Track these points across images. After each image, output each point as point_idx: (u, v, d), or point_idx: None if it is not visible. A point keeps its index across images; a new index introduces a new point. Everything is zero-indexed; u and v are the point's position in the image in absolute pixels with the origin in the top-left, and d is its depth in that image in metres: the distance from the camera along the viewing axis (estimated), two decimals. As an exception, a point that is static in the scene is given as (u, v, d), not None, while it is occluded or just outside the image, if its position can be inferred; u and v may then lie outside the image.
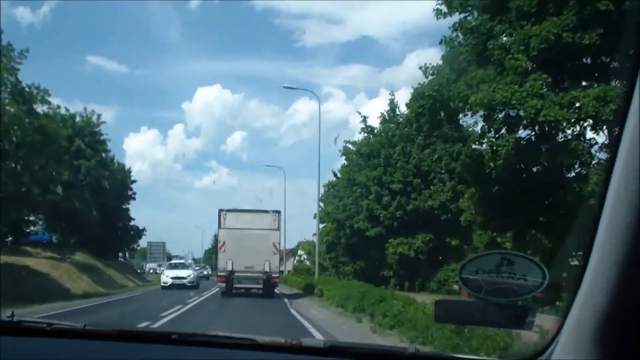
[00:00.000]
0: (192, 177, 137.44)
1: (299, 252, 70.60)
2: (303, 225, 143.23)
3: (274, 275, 23.46)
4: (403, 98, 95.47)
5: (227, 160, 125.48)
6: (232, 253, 22.92)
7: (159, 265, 77.61)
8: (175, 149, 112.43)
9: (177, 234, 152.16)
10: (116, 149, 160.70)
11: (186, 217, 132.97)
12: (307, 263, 41.18)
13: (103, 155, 45.26)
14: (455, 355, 2.48)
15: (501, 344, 6.83)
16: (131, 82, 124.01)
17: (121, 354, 1.93)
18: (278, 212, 24.38)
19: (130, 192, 51.37)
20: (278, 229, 24.06)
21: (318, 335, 11.16)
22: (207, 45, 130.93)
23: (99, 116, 45.45)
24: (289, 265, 74.36)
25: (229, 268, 22.81)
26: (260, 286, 23.15)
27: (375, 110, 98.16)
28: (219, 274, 24.08)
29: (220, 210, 23.68)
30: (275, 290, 25.39)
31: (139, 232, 53.96)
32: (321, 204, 33.81)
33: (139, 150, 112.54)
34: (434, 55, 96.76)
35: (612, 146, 1.22)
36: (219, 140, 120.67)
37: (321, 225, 35.33)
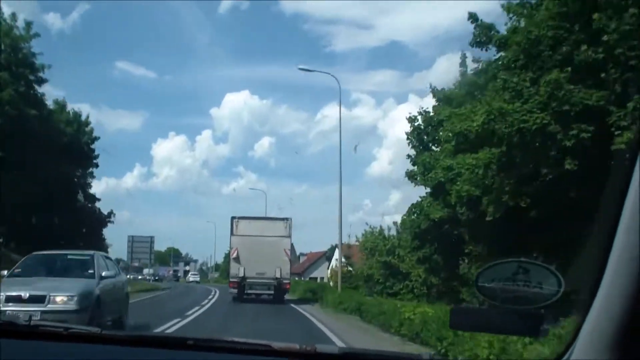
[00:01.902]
0: (220, 183, 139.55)
1: (335, 255, 62.99)
2: (329, 231, 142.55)
3: (284, 281, 24.04)
4: (432, 103, 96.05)
5: (255, 166, 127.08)
6: (244, 260, 23.56)
7: (175, 271, 75.31)
8: (203, 154, 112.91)
9: (200, 238, 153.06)
10: (144, 155, 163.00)
11: (213, 222, 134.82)
12: (350, 269, 35.85)
13: (36, 87, 28.93)
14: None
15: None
16: (159, 87, 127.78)
17: (137, 359, 1.93)
18: (289, 219, 25.07)
19: (90, 158, 35.37)
20: (289, 236, 24.77)
21: None
22: (235, 51, 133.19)
23: (28, 25, 28.78)
24: (319, 271, 67.43)
25: (241, 274, 23.42)
26: (272, 292, 23.74)
27: (403, 116, 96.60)
28: (230, 280, 24.63)
29: (233, 218, 24.48)
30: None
31: (101, 218, 36.70)
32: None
33: (166, 156, 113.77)
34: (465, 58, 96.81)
35: (633, 149, 1.23)
36: (247, 146, 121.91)
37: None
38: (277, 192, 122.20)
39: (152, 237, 45.86)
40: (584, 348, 1.37)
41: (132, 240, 45.85)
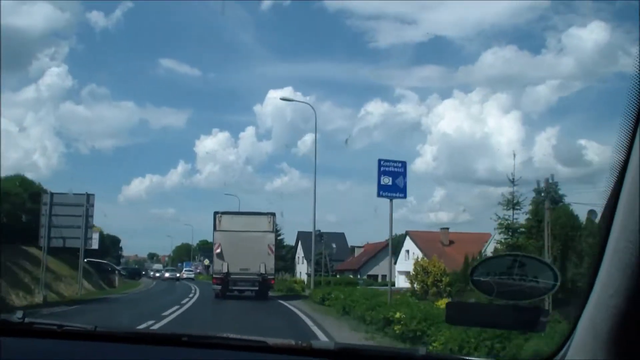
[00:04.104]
0: (263, 179, 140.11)
1: (406, 246, 54.35)
2: (371, 227, 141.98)
3: (269, 277, 24.03)
4: (477, 98, 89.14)
5: (298, 163, 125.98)
6: (227, 255, 23.49)
7: (170, 270, 71.05)
8: (246, 151, 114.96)
9: None
10: (188, 151, 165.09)
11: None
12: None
13: None
14: (466, 358, 2.45)
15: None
16: (203, 85, 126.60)
17: (132, 355, 1.96)
18: (273, 214, 24.87)
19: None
20: (273, 231, 24.75)
21: None
22: (278, 48, 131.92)
23: None
24: (382, 268, 58.75)
25: (225, 270, 23.33)
26: (256, 288, 23.68)
27: (447, 112, 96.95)
28: (214, 276, 24.50)
29: (216, 213, 24.31)
30: None
31: None
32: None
33: (210, 152, 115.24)
34: (511, 53, 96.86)
35: (626, 148, 1.23)
36: (290, 143, 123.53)
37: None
38: (322, 188, 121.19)
39: (88, 195, 23.89)
40: (580, 345, 1.39)
41: (51, 200, 23.23)
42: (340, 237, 69.31)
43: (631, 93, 1.20)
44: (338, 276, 54.66)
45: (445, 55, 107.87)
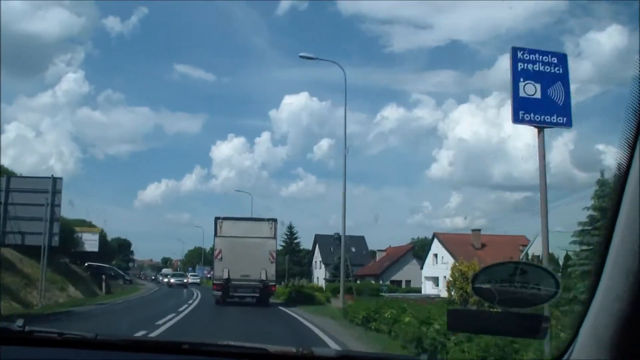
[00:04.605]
0: (279, 184, 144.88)
1: (434, 250, 53.12)
2: (391, 231, 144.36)
3: (270, 283, 24.56)
4: (494, 102, 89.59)
5: (314, 168, 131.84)
6: (228, 261, 24.05)
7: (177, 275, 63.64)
8: (262, 156, 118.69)
9: None
10: (204, 156, 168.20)
11: None
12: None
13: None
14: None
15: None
16: (218, 90, 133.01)
17: None
18: (274, 220, 25.47)
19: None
20: (275, 237, 25.21)
21: None
22: (293, 52, 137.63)
23: None
24: (405, 273, 58.44)
25: (225, 276, 23.90)
26: (257, 295, 24.24)
27: (464, 116, 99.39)
28: (214, 282, 25.02)
29: (217, 218, 24.89)
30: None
31: None
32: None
33: (225, 158, 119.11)
34: None
35: (628, 155, 1.28)
36: (306, 148, 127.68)
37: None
38: (337, 193, 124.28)
39: (55, 179, 20.66)
40: (583, 348, 1.45)
41: (7, 184, 19.81)
42: (359, 241, 68.37)
43: (631, 100, 1.24)
44: (358, 282, 53.46)
45: (460, 60, 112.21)
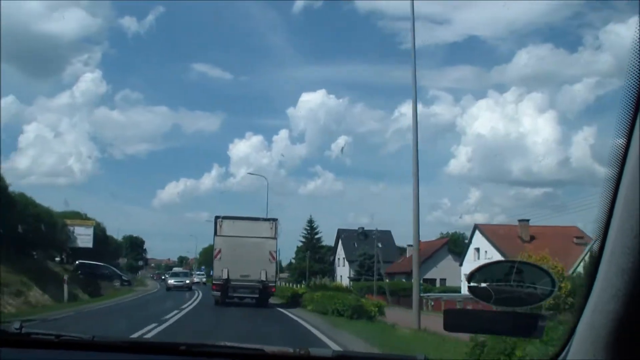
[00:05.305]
0: (297, 182, 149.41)
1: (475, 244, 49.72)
2: (409, 229, 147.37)
3: (270, 284, 25.50)
4: (512, 98, 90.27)
5: (332, 166, 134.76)
6: (227, 261, 24.98)
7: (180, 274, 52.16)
8: (279, 154, 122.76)
9: (279, 239, 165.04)
10: (222, 155, 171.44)
11: (288, 223, 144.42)
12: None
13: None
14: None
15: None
16: (236, 88, 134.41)
17: None
18: (275, 219, 26.49)
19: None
20: (275, 237, 25.97)
21: None
22: (310, 50, 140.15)
23: None
24: (440, 270, 56.96)
25: (225, 276, 24.82)
26: (256, 295, 25.09)
27: (482, 112, 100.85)
28: (214, 282, 25.87)
29: (217, 217, 25.86)
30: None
31: None
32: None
33: (243, 156, 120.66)
34: (546, 51, 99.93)
35: (623, 152, 1.32)
36: (324, 146, 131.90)
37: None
38: (355, 191, 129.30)
39: None
40: (579, 348, 1.50)
41: None
42: (387, 236, 67.63)
43: (627, 94, 1.29)
44: (387, 280, 52.29)
45: (478, 55, 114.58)
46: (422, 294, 38.45)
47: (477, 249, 50.08)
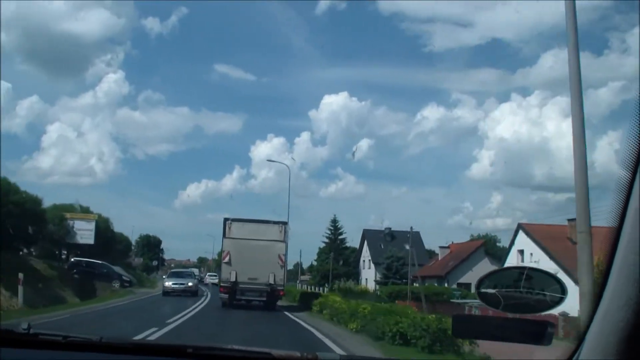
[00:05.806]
0: (318, 185, 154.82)
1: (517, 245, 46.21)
2: (430, 233, 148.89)
3: (278, 287, 26.40)
4: (536, 101, 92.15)
5: (353, 168, 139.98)
6: (236, 264, 26.02)
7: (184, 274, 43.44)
8: (301, 156, 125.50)
9: (300, 241, 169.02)
10: (243, 156, 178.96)
11: (309, 225, 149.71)
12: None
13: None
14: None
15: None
16: (258, 90, 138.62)
17: None
18: (285, 223, 27.52)
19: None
20: (284, 241, 26.86)
21: None
22: (333, 52, 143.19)
23: None
24: (477, 273, 52.29)
25: (233, 279, 25.83)
26: (264, 298, 26.00)
27: (505, 116, 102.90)
28: (221, 284, 26.71)
29: (226, 219, 26.85)
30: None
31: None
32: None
33: (265, 158, 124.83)
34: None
35: (635, 160, 1.37)
36: (346, 148, 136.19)
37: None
38: (377, 194, 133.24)
39: None
40: (589, 354, 1.54)
41: None
42: (415, 237, 65.58)
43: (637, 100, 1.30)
44: (417, 284, 48.60)
45: (502, 58, 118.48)
46: (458, 300, 37.97)
47: (521, 251, 46.72)
